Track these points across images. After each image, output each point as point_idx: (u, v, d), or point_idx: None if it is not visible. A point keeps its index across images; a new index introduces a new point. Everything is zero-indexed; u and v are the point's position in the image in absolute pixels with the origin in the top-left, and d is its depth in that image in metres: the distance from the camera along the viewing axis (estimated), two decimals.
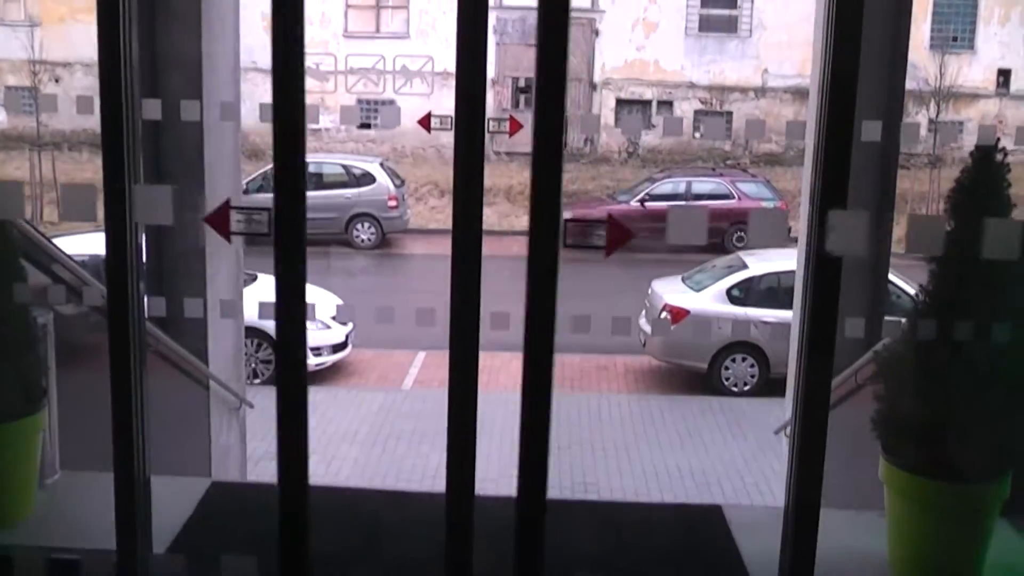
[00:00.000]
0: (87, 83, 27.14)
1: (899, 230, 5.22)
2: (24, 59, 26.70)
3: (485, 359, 3.71)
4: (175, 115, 5.29)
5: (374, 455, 12.05)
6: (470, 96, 3.63)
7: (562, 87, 3.57)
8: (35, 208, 21.67)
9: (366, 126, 30.19)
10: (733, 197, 24.34)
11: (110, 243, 4.08)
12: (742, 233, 22.39)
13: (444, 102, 4.28)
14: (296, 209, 3.71)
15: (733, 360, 15.26)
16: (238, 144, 8.50)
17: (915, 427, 4.69)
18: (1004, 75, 32.82)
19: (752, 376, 15.20)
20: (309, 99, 3.54)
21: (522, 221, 19.03)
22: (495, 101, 31.33)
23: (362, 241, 23.68)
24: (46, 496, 5.45)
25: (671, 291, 16.09)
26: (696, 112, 33.02)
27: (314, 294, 15.60)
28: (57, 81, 29.28)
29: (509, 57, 32.28)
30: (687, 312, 15.06)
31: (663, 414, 14.04)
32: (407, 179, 26.30)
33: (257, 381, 14.25)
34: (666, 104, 33.45)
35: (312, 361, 15.11)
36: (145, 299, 4.42)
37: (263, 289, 14.32)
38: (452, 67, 3.60)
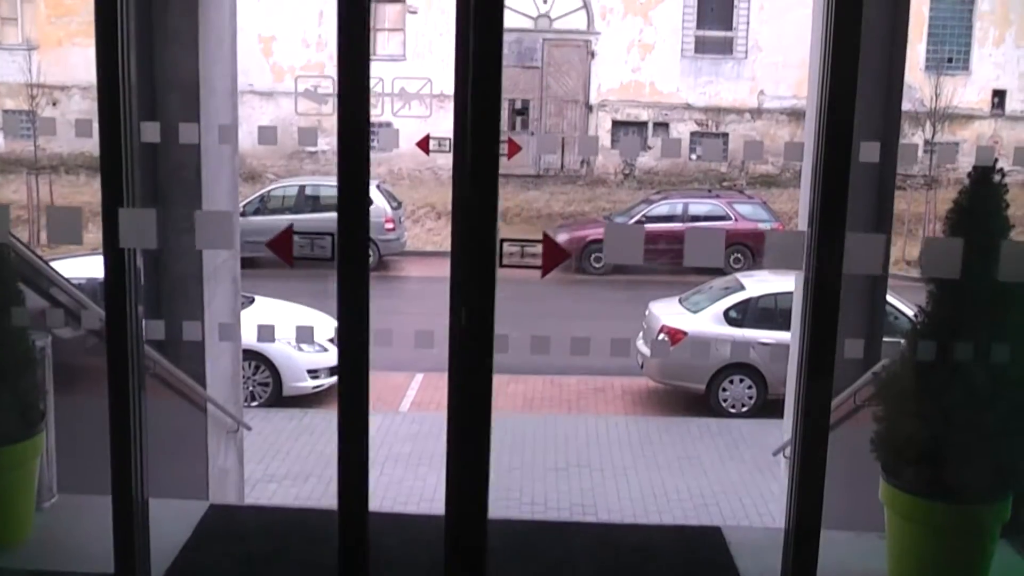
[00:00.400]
0: (84, 106, 27.20)
1: (895, 251, 5.22)
2: (22, 82, 26.71)
3: None
4: (173, 137, 5.29)
5: (372, 477, 11.99)
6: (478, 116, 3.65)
7: (497, 106, 3.58)
8: (32, 231, 21.64)
9: None
10: (730, 218, 24.35)
11: (108, 265, 4.09)
12: (739, 255, 22.42)
13: (442, 124, 4.29)
14: (359, 234, 3.73)
15: (731, 381, 15.25)
16: (236, 167, 8.50)
17: (915, 448, 4.68)
18: (999, 96, 32.92)
19: (750, 397, 15.18)
20: (305, 122, 3.59)
21: None
22: None
23: None
24: (44, 519, 5.43)
25: (668, 313, 16.09)
26: (692, 134, 33.07)
27: (311, 317, 15.58)
28: (55, 104, 29.29)
29: (506, 79, 32.31)
30: (685, 334, 15.06)
31: (661, 435, 14.02)
32: (404, 201, 26.31)
33: (255, 404, 14.24)
34: (662, 126, 33.50)
35: (309, 384, 15.10)
36: (143, 322, 4.42)
37: (260, 312, 14.37)
38: (450, 89, 3.62)
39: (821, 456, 4.06)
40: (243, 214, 18.37)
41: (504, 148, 5.13)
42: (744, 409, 15.16)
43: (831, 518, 4.27)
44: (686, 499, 11.68)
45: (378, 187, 24.84)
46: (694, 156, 32.78)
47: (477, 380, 3.78)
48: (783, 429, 8.88)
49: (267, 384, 14.85)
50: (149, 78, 7.25)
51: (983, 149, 4.88)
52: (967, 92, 31.64)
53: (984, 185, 4.58)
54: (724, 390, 15.25)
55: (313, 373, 15.14)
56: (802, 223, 8.23)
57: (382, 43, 33.27)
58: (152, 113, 7.17)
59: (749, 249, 22.20)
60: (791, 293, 9.49)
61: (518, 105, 33.06)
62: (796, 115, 30.82)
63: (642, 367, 15.81)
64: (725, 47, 33.88)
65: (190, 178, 7.53)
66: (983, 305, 4.47)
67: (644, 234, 4.11)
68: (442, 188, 26.53)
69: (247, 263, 9.19)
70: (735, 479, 12.16)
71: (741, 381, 15.20)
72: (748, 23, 33.56)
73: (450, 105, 3.91)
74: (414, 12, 32.08)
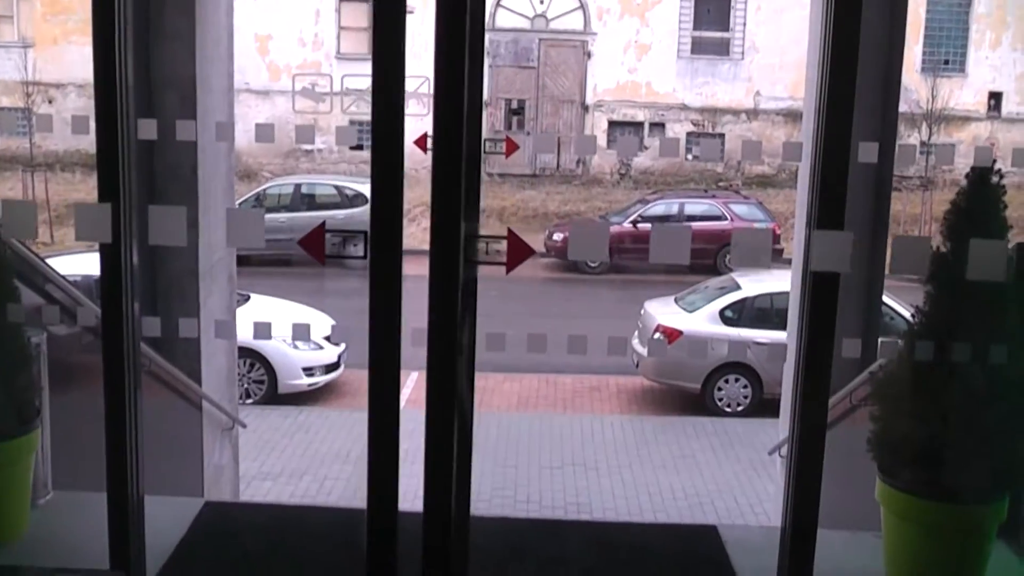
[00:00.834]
0: (80, 104, 27.19)
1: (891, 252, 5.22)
2: (17, 80, 26.69)
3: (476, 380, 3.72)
4: (170, 135, 5.29)
5: (366, 475, 12.01)
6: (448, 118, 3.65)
7: (460, 102, 3.58)
8: None
9: (358, 148, 30.16)
10: (726, 218, 24.37)
11: (105, 262, 4.08)
12: None
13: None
14: (393, 232, 3.73)
15: (726, 381, 15.26)
16: (232, 164, 8.50)
17: (911, 448, 4.68)
18: (995, 98, 32.96)
19: (745, 397, 15.20)
20: (301, 120, 3.60)
21: None
22: (488, 122, 31.36)
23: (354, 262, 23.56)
24: (39, 516, 5.42)
25: (664, 312, 16.10)
26: (688, 134, 33.07)
27: (306, 314, 15.56)
28: (50, 102, 29.26)
29: (502, 79, 32.39)
30: (680, 333, 15.06)
31: (656, 435, 14.02)
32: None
33: (250, 401, 14.23)
34: (658, 126, 33.49)
35: (304, 381, 15.10)
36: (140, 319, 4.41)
37: (256, 310, 14.35)
38: None
39: (818, 455, 4.07)
40: None
41: (502, 147, 5.13)
42: (739, 408, 15.17)
43: (827, 517, 4.27)
44: (681, 498, 11.68)
45: None
46: (690, 156, 32.78)
47: (446, 378, 3.77)
48: (778, 428, 8.89)
49: (262, 382, 14.84)
50: (146, 76, 7.25)
51: (981, 150, 4.88)
52: (963, 94, 31.68)
53: (982, 186, 4.59)
54: (720, 389, 15.26)
55: (308, 371, 15.14)
56: (799, 223, 8.24)
57: None
58: (149, 111, 7.17)
59: None
60: (787, 293, 9.50)
61: (514, 105, 33.05)
62: (792, 116, 30.83)
63: (637, 366, 15.81)
64: (721, 48, 33.89)
65: (186, 176, 7.53)
66: (980, 306, 4.47)
67: (608, 231, 4.13)
68: None
69: (241, 260, 9.19)
70: (730, 478, 12.17)
71: (737, 380, 15.21)
72: (744, 24, 33.57)
73: None
74: (411, 12, 31.98)
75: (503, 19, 32.40)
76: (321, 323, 14.95)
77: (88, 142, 4.15)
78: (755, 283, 15.88)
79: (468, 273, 3.80)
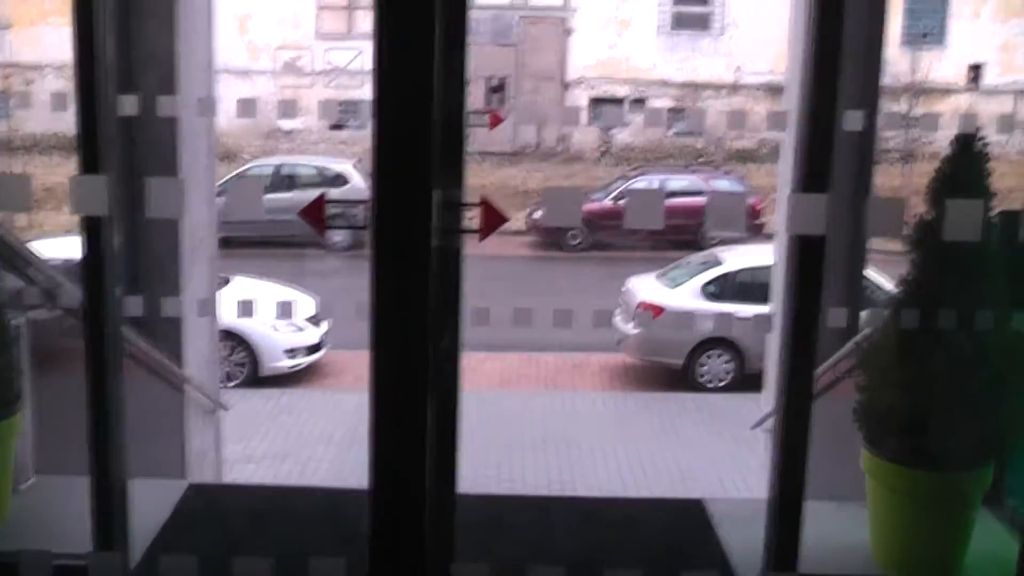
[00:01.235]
0: (58, 86, 26.95)
1: None
2: None
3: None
4: (151, 113, 5.23)
5: (350, 456, 11.99)
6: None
7: (430, 79, 3.46)
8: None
9: (338, 127, 30.04)
10: (707, 194, 24.36)
11: (86, 243, 4.05)
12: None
13: None
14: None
15: (709, 356, 15.30)
16: (213, 144, 8.44)
17: (897, 417, 4.69)
18: (975, 70, 33.00)
19: (728, 372, 15.23)
20: (283, 95, 3.55)
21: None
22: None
23: (335, 243, 23.50)
24: (21, 501, 5.39)
25: (646, 288, 16.10)
26: (669, 110, 33.04)
27: (288, 295, 15.54)
28: (28, 85, 29.06)
29: (481, 56, 32.28)
30: (662, 309, 15.06)
31: (639, 411, 14.05)
32: None
33: (232, 384, 14.18)
34: (639, 102, 33.44)
35: (286, 363, 15.06)
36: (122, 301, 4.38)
37: (237, 292, 14.30)
38: None
39: (804, 427, 4.06)
40: (220, 194, 18.25)
41: (486, 120, 5.10)
42: (722, 384, 15.20)
43: (813, 488, 4.27)
44: (664, 473, 11.69)
45: (354, 166, 24.71)
46: (672, 132, 32.77)
47: (408, 357, 3.75)
48: (761, 403, 8.89)
49: (244, 364, 14.79)
50: (126, 54, 7.18)
51: (967, 118, 4.88)
52: (944, 66, 31.70)
53: (966, 153, 4.58)
54: (702, 365, 15.29)
55: (290, 353, 15.09)
56: (781, 195, 8.22)
57: (358, 22, 33.11)
58: (129, 89, 7.09)
59: None
60: (769, 267, 9.49)
61: (494, 83, 32.96)
62: (773, 90, 30.80)
63: (619, 343, 15.81)
64: (702, 23, 33.85)
65: (167, 155, 7.47)
66: (965, 273, 4.47)
67: (581, 198, 4.13)
68: None
69: (220, 243, 9.13)
70: (714, 453, 12.18)
71: (719, 356, 15.24)
72: None
73: None
74: None
75: None
76: (304, 303, 14.91)
77: (66, 125, 4.11)
78: (737, 257, 15.90)
79: (448, 242, 3.76)
